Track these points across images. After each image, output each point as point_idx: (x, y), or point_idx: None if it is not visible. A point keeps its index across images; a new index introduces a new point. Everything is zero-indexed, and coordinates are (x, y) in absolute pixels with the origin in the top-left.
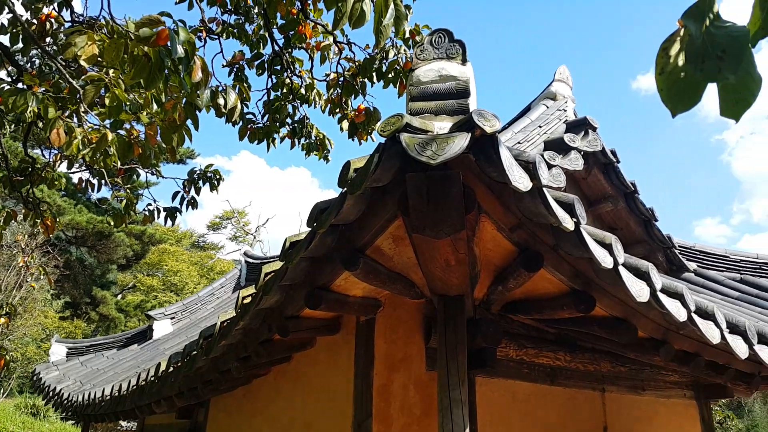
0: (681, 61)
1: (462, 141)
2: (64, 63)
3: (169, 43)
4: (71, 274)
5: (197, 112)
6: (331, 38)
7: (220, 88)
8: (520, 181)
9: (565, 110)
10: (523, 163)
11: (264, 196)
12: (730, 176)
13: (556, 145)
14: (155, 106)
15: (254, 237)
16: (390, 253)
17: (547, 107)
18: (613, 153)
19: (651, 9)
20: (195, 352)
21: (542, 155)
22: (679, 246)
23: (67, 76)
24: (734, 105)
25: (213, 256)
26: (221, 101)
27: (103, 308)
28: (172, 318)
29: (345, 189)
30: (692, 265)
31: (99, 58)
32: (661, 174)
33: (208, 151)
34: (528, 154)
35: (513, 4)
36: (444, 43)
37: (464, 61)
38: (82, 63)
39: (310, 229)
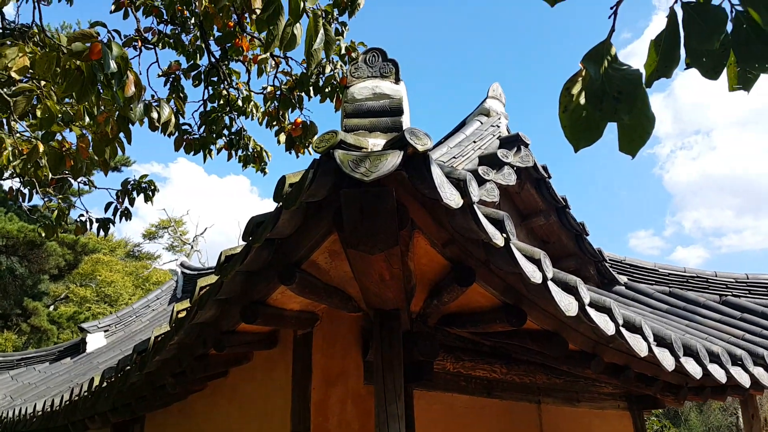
0: (582, 100)
1: (395, 159)
2: None
3: (101, 58)
4: (1, 285)
5: (130, 126)
6: (269, 53)
7: (154, 102)
8: (451, 198)
9: (499, 126)
10: (455, 181)
11: (202, 205)
12: (662, 189)
13: (490, 161)
14: (87, 119)
15: (192, 247)
16: (326, 267)
17: (481, 123)
18: (545, 168)
19: (585, 24)
20: (129, 368)
21: (475, 171)
22: (610, 259)
23: None
24: (630, 142)
25: (149, 266)
26: (155, 115)
27: (34, 320)
28: (105, 331)
29: (280, 204)
30: (623, 278)
31: (30, 70)
32: (596, 188)
33: (144, 158)
34: (459, 171)
35: (447, 25)
36: (378, 62)
37: (397, 80)
38: (13, 74)
39: (245, 242)
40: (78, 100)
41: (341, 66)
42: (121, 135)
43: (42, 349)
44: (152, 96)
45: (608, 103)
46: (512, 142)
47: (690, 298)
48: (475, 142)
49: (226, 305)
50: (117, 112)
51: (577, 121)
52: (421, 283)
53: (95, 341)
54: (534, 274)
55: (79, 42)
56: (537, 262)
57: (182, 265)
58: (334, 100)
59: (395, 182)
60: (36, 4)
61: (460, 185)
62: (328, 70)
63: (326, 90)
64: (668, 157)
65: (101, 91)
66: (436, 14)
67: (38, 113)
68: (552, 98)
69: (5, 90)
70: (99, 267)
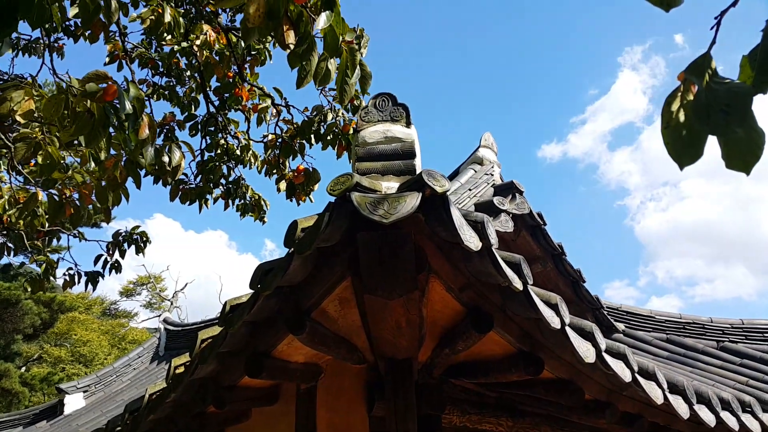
0: (682, 117)
1: (413, 200)
2: None
3: (116, 100)
4: None
5: (139, 171)
6: (269, 101)
7: (165, 147)
8: (471, 240)
9: (492, 174)
10: (473, 223)
11: (180, 260)
12: (634, 240)
13: (486, 208)
14: (93, 164)
15: (171, 303)
16: (335, 316)
17: (475, 171)
18: (540, 216)
19: (550, 81)
20: (119, 428)
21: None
22: (606, 307)
23: None
24: (742, 158)
25: (125, 324)
26: (165, 159)
27: (5, 382)
28: (85, 391)
29: (292, 249)
30: (620, 326)
31: (35, 114)
32: (570, 239)
33: (120, 215)
34: (476, 213)
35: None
36: (388, 107)
37: (408, 124)
38: (18, 118)
39: (252, 291)
40: (86, 144)
41: (342, 113)
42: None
43: (14, 412)
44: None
45: (716, 117)
46: (507, 189)
47: (689, 345)
48: (470, 189)
49: (229, 358)
50: (125, 157)
51: (679, 138)
52: (432, 331)
53: (74, 403)
54: (553, 320)
55: (93, 82)
56: (554, 307)
57: (165, 321)
58: (336, 148)
59: (412, 225)
60: (48, 50)
61: (478, 227)
62: (330, 117)
63: (328, 137)
64: (638, 208)
65: (112, 134)
66: (422, 60)
67: (39, 159)
68: (528, 151)
69: (7, 135)
70: (75, 326)
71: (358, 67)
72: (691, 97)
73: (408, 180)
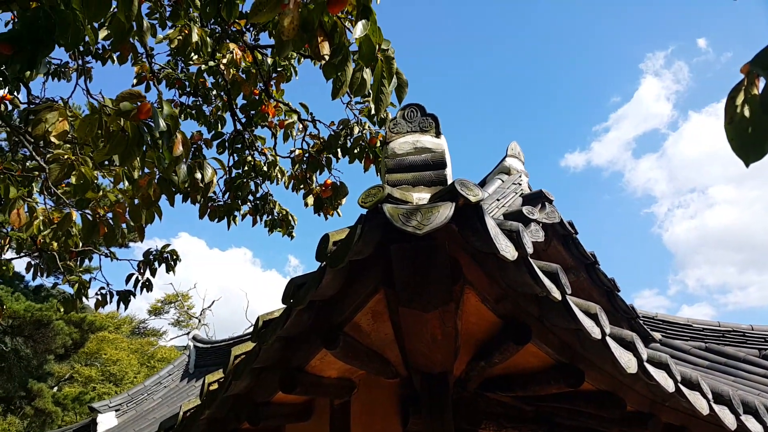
0: (747, 112)
1: (447, 210)
2: (32, 140)
3: (150, 118)
4: (5, 366)
5: (173, 189)
6: (295, 116)
7: (195, 162)
8: (507, 250)
9: (520, 184)
10: (507, 232)
11: (206, 278)
12: (663, 248)
13: (515, 218)
14: (126, 182)
15: (199, 320)
16: (368, 330)
17: (503, 181)
18: (571, 224)
19: (571, 89)
20: None
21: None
22: (642, 316)
23: (33, 153)
24: None
25: (154, 342)
26: (198, 176)
27: (39, 402)
28: (117, 410)
29: (325, 263)
30: (657, 335)
31: (69, 135)
32: (597, 248)
33: (147, 235)
34: (511, 222)
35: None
36: (417, 117)
37: (438, 134)
38: (52, 139)
39: (285, 306)
40: (121, 162)
41: (369, 127)
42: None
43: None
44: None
45: None
46: (536, 198)
47: (729, 354)
48: (498, 200)
49: (263, 374)
50: (158, 175)
51: (744, 133)
52: (466, 343)
53: (106, 421)
54: (593, 330)
55: (127, 101)
56: (594, 317)
57: (194, 338)
58: (363, 161)
59: (446, 236)
60: (79, 72)
61: (513, 237)
62: (356, 131)
63: (355, 151)
64: (666, 216)
65: (146, 152)
66: (445, 71)
67: (72, 180)
68: (552, 161)
69: (41, 157)
70: (104, 345)
71: (395, 76)
72: (756, 91)
73: (440, 190)
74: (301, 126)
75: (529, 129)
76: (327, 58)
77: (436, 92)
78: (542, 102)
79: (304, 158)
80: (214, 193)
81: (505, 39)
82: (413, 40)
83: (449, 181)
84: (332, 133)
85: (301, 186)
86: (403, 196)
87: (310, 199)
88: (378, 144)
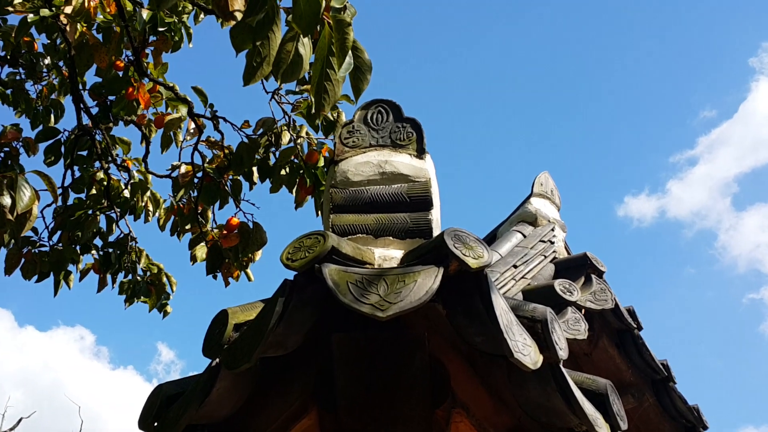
0: None
1: (429, 281)
2: None
3: None
4: None
5: None
6: (184, 109)
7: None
8: (525, 351)
9: (552, 242)
10: (528, 322)
11: (10, 378)
12: None
13: (542, 298)
14: None
15: None
16: None
17: (524, 236)
18: (632, 314)
19: (638, 96)
20: None
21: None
22: None
23: None
24: None
25: None
26: (5, 201)
27: None
28: None
29: (218, 360)
30: None
31: None
32: (672, 356)
33: None
34: (534, 307)
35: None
36: (387, 122)
37: (421, 152)
38: None
39: None
40: None
41: (308, 133)
42: None
43: None
44: None
45: None
46: (577, 268)
47: None
48: (515, 266)
49: None
50: None
51: None
52: None
53: None
54: None
55: None
56: None
57: None
58: (296, 190)
59: (425, 324)
60: None
61: (537, 330)
62: (285, 138)
63: (282, 172)
64: None
65: None
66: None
67: None
68: (605, 207)
69: None
70: None
71: (350, 52)
72: None
73: (420, 246)
74: (192, 125)
75: (570, 154)
76: (239, 15)
77: (422, 88)
78: (591, 112)
79: (195, 180)
80: (35, 231)
81: (534, 27)
82: (395, 28)
83: (435, 231)
84: (245, 140)
85: (188, 227)
86: (358, 252)
87: (202, 250)
88: (320, 162)
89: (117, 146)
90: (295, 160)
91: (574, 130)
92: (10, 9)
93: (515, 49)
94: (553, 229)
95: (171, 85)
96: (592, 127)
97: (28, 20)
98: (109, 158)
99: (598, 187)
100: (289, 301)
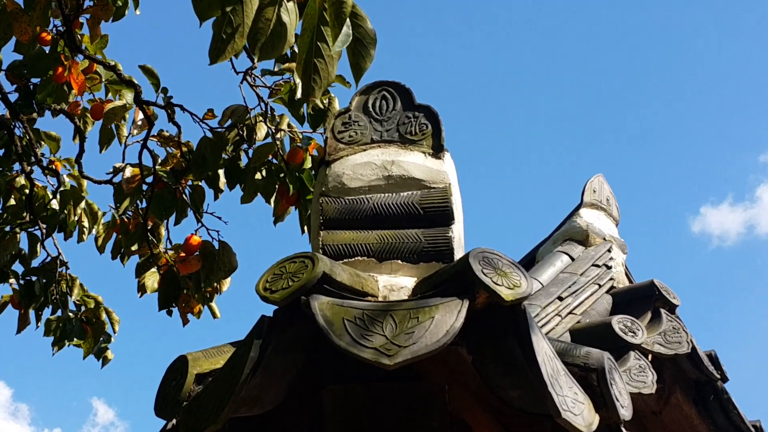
0: None
1: (450, 317)
2: None
3: None
4: None
5: None
6: (129, 94)
7: None
8: (575, 410)
9: (609, 266)
10: (579, 371)
11: None
12: None
13: (597, 339)
14: None
15: None
16: None
17: (572, 259)
18: (714, 360)
19: (717, 78)
20: None
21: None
22: None
23: None
24: None
25: None
26: None
27: None
28: None
29: (174, 422)
30: None
31: None
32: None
33: None
34: (588, 351)
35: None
36: (395, 111)
37: (438, 149)
38: None
39: None
40: None
41: (291, 126)
42: None
43: None
44: None
45: None
46: (641, 300)
47: None
48: (561, 299)
49: None
50: None
51: None
52: None
53: None
54: None
55: None
56: None
57: None
58: (274, 199)
59: (445, 373)
60: None
61: (590, 381)
62: (261, 132)
63: (257, 176)
64: None
65: None
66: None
67: None
68: (675, 220)
69: None
70: None
71: (347, 20)
72: None
73: (438, 272)
74: (140, 116)
75: (630, 153)
76: None
77: (443, 69)
78: (657, 102)
79: (144, 186)
80: None
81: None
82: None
83: (457, 254)
84: (208, 135)
85: (134, 247)
86: (357, 280)
87: (152, 278)
88: (307, 163)
89: (42, 143)
90: (274, 161)
91: (636, 122)
92: None
93: (572, 24)
94: (609, 250)
95: (112, 63)
96: (660, 119)
97: None
98: (33, 159)
99: (668, 194)
100: (267, 345)
